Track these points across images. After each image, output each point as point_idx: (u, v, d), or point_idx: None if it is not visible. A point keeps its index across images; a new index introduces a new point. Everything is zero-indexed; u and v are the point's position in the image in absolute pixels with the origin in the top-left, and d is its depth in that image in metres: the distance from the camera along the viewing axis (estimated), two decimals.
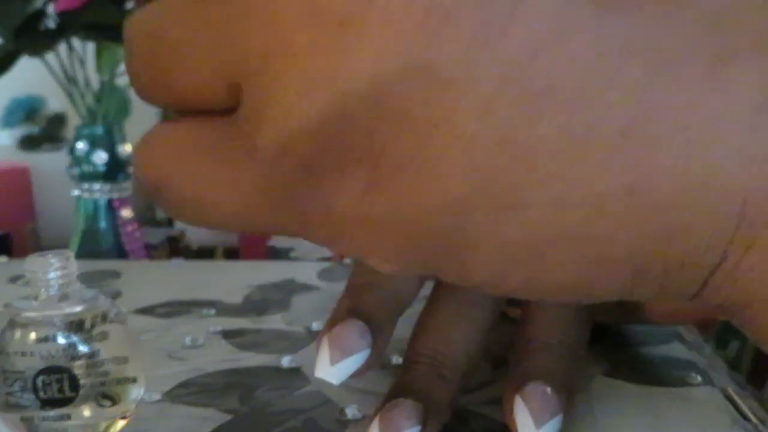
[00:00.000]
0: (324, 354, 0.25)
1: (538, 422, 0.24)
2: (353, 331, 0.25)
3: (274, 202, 0.18)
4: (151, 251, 0.77)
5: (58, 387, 0.24)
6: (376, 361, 0.26)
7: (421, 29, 0.15)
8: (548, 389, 0.25)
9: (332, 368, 0.25)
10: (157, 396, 0.31)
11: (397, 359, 0.33)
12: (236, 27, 0.17)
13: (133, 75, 0.19)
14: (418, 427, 0.25)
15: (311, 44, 0.16)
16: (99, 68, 0.69)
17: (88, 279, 0.47)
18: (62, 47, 0.68)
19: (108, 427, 0.25)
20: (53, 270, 0.25)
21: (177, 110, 0.19)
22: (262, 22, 0.16)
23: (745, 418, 0.28)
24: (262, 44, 0.16)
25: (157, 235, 0.83)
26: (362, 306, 0.26)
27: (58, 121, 1.15)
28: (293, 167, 0.17)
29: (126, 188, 0.70)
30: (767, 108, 0.15)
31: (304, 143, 0.16)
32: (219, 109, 0.18)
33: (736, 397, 0.30)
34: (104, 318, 0.25)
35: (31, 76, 0.72)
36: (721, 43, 0.16)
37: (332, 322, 0.26)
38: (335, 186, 0.17)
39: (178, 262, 0.59)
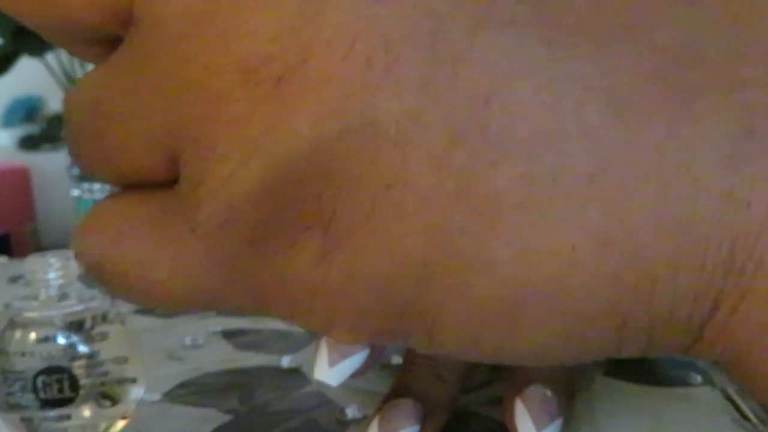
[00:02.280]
0: (322, 356, 0.25)
1: (539, 425, 0.24)
2: None
3: (222, 278, 0.17)
4: None
5: (58, 387, 0.24)
6: (375, 362, 0.26)
7: (362, 83, 0.14)
8: (548, 392, 0.25)
9: (331, 370, 0.25)
10: (157, 396, 0.31)
11: (397, 359, 0.33)
12: (171, 95, 0.16)
13: (73, 149, 0.18)
14: (417, 427, 0.25)
15: (246, 109, 0.15)
16: None
17: (88, 279, 0.47)
18: None
19: (108, 427, 0.25)
20: (53, 270, 0.25)
21: (120, 184, 0.18)
22: (196, 89, 0.15)
23: (745, 418, 0.28)
24: (197, 112, 0.15)
25: None
26: None
27: (58, 121, 1.15)
28: (239, 240, 0.16)
29: None
30: (744, 142, 0.14)
31: (248, 214, 0.15)
32: (160, 181, 0.17)
33: (736, 397, 0.30)
34: (104, 318, 0.25)
35: (31, 76, 0.72)
36: (684, 79, 0.15)
37: None
38: (286, 256, 0.16)
39: None
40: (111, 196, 0.18)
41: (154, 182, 0.17)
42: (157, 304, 0.18)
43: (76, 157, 0.18)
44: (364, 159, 0.15)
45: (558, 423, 0.24)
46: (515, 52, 0.15)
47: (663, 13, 0.15)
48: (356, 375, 0.25)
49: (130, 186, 0.18)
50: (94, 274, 0.18)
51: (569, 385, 0.26)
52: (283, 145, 0.15)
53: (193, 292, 0.17)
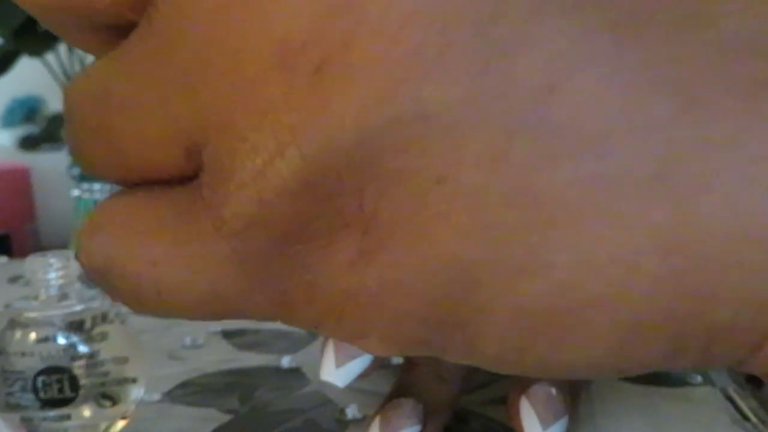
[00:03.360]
0: (329, 356, 0.25)
1: (545, 423, 0.24)
2: None
3: (246, 281, 0.16)
4: None
5: (58, 387, 0.24)
6: (382, 363, 0.26)
7: (412, 70, 0.13)
8: (554, 390, 0.25)
9: (337, 371, 0.24)
10: (157, 396, 0.31)
11: (397, 359, 0.33)
12: (193, 80, 0.14)
13: (75, 148, 0.17)
14: (418, 427, 0.25)
15: (282, 96, 0.14)
16: None
17: (88, 280, 0.47)
18: (62, 47, 0.68)
19: (108, 427, 0.25)
20: (53, 270, 0.25)
21: (129, 183, 0.17)
22: (224, 74, 0.14)
23: (745, 418, 0.28)
24: (225, 100, 0.14)
25: None
26: None
27: (58, 121, 1.15)
28: (269, 239, 0.15)
29: None
30: None
31: (280, 210, 0.14)
32: (176, 178, 0.16)
33: (736, 397, 0.30)
34: (104, 318, 0.25)
35: (31, 76, 0.72)
36: (754, 71, 0.14)
37: None
38: (319, 257, 0.15)
39: None
40: (118, 195, 0.17)
41: (167, 179, 0.16)
42: (170, 313, 0.17)
43: (78, 154, 0.17)
44: (412, 152, 0.14)
45: (564, 421, 0.24)
46: (579, 39, 0.14)
47: (730, 2, 0.14)
48: (363, 376, 0.25)
49: (138, 184, 0.17)
50: (101, 278, 0.17)
51: (574, 384, 0.26)
52: (324, 136, 0.14)
53: (212, 296, 0.16)
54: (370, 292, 0.15)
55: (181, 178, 0.16)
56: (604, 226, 0.14)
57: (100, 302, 0.25)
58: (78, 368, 0.24)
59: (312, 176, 0.14)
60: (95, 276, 0.17)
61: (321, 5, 0.13)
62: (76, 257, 0.18)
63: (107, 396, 0.25)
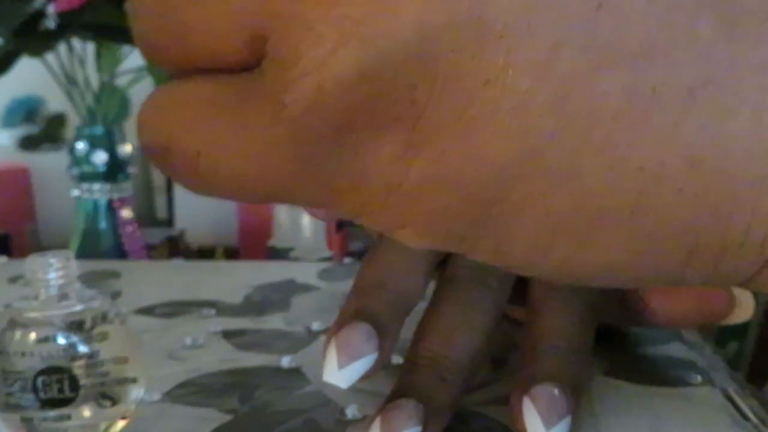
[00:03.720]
0: (331, 358, 0.25)
1: (548, 423, 0.24)
2: (360, 334, 0.25)
3: (299, 166, 0.16)
4: (151, 251, 0.77)
5: (58, 387, 0.24)
6: (384, 364, 0.26)
7: None
8: (556, 390, 0.25)
9: (340, 372, 0.25)
10: (157, 396, 0.31)
11: (397, 359, 0.33)
12: None
13: (140, 33, 0.17)
14: (419, 428, 0.25)
15: None
16: (99, 68, 0.69)
17: (88, 279, 0.47)
18: (62, 47, 0.68)
19: (108, 428, 0.25)
20: (53, 270, 0.25)
21: (189, 71, 0.17)
22: None
23: (745, 418, 0.28)
24: None
25: (157, 235, 0.83)
26: (369, 308, 0.26)
27: (58, 121, 1.15)
28: (324, 125, 0.15)
29: (126, 188, 0.70)
30: None
31: (338, 98, 0.15)
32: (237, 66, 0.16)
33: (736, 397, 0.30)
34: (104, 318, 0.25)
35: (31, 76, 0.72)
36: None
37: (339, 325, 0.26)
38: (369, 148, 0.16)
39: (178, 262, 0.59)
40: (179, 79, 0.17)
41: (227, 68, 0.17)
42: (221, 192, 0.17)
43: (142, 41, 0.17)
44: (466, 53, 0.14)
45: (567, 421, 0.24)
46: None
47: None
48: (364, 378, 0.25)
49: (198, 72, 0.17)
50: (160, 156, 0.18)
51: (576, 384, 0.26)
52: (386, 30, 0.14)
53: (265, 179, 0.17)
54: (413, 185, 0.16)
55: (241, 67, 0.16)
56: (636, 137, 0.15)
57: (100, 302, 0.25)
58: (78, 368, 0.24)
59: (370, 69, 0.14)
60: (154, 153, 0.18)
61: None
62: (140, 135, 0.18)
63: (107, 396, 0.25)
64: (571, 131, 0.15)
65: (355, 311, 0.26)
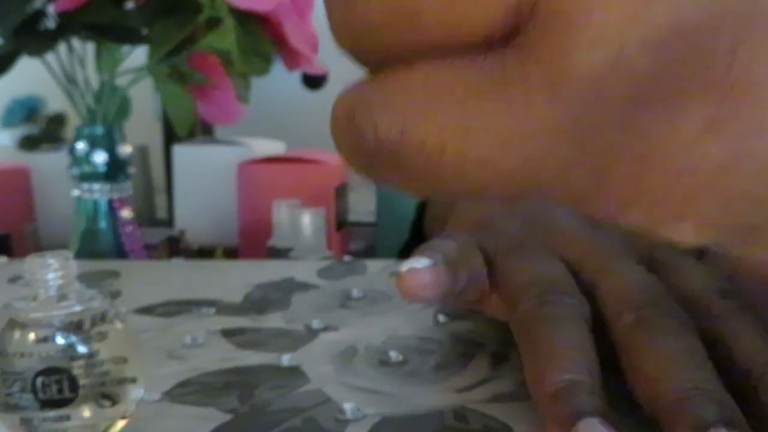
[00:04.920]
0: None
1: None
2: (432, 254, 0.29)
3: (568, 156, 0.14)
4: (151, 251, 0.77)
5: (58, 388, 0.24)
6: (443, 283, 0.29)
7: None
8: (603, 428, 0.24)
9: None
10: (156, 396, 0.31)
11: (396, 356, 0.33)
12: None
13: (350, 11, 0.14)
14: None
15: None
16: (99, 68, 0.69)
17: (88, 279, 0.47)
18: (62, 47, 0.68)
19: (108, 428, 0.25)
20: (52, 270, 0.25)
21: (412, 53, 0.14)
22: None
23: None
24: None
25: (157, 235, 0.83)
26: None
27: (58, 121, 1.15)
28: (615, 101, 0.13)
29: (126, 188, 0.70)
30: None
31: (638, 67, 0.12)
32: (477, 44, 0.14)
33: None
34: (103, 318, 0.25)
35: (31, 76, 0.72)
36: None
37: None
38: (662, 127, 0.13)
39: (178, 262, 0.59)
40: (401, 66, 0.14)
41: (464, 44, 0.14)
42: (462, 190, 0.15)
43: (357, 17, 0.14)
44: None
45: None
46: None
47: None
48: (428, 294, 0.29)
49: (421, 55, 0.14)
50: (387, 153, 0.15)
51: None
52: None
53: (527, 171, 0.14)
54: (711, 168, 0.13)
55: (481, 44, 0.14)
56: None
57: (99, 302, 0.25)
58: (77, 368, 0.24)
59: (688, 24, 0.12)
60: (382, 151, 0.15)
61: None
62: (363, 123, 0.15)
63: (107, 396, 0.25)
64: None
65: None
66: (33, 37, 0.66)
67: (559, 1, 0.13)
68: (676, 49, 0.12)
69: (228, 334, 0.39)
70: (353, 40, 0.15)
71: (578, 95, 0.13)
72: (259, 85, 0.65)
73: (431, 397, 0.30)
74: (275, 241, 0.73)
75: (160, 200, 1.08)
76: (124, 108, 0.74)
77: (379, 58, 0.15)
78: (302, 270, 0.52)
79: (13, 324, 0.24)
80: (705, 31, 0.12)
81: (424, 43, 0.14)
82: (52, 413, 0.24)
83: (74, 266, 0.25)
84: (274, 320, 0.41)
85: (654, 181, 0.14)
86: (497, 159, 0.14)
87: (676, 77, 0.13)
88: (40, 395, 0.24)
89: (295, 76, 1.14)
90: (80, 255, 0.63)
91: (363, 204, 0.91)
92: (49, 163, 0.94)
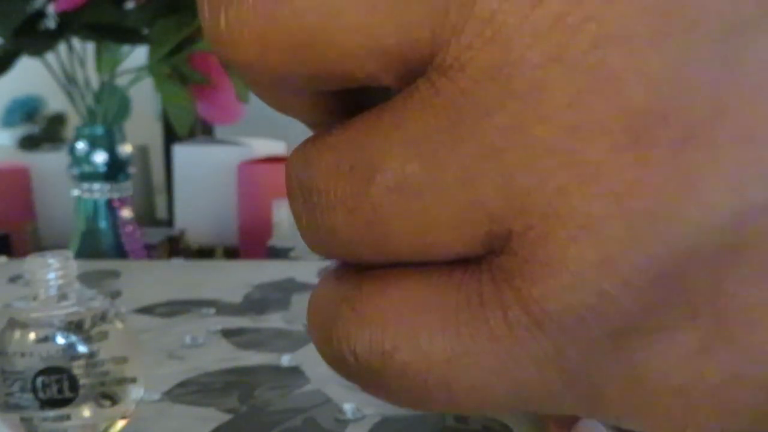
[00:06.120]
0: None
1: None
2: None
3: (559, 381, 0.14)
4: (151, 251, 0.77)
5: (58, 387, 0.24)
6: None
7: None
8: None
9: None
10: (156, 396, 0.31)
11: None
12: (508, 159, 0.12)
13: (321, 226, 0.14)
14: None
15: (635, 179, 0.12)
16: (99, 68, 0.69)
17: (88, 279, 0.47)
18: (62, 47, 0.68)
19: (108, 427, 0.25)
20: (52, 270, 0.25)
21: (385, 264, 0.14)
22: (554, 154, 0.12)
23: None
24: (554, 182, 0.12)
25: (157, 235, 0.83)
26: None
27: (58, 121, 1.15)
28: (600, 333, 0.13)
29: (126, 188, 0.70)
30: None
31: (622, 304, 0.13)
32: (448, 259, 0.14)
33: None
34: (103, 318, 0.25)
35: (31, 76, 0.72)
36: None
37: None
38: (653, 352, 0.13)
39: (178, 262, 0.59)
40: (380, 279, 0.14)
41: (435, 259, 0.14)
42: (456, 408, 0.14)
43: (326, 233, 0.14)
44: None
45: None
46: None
47: None
48: None
49: (395, 265, 0.14)
50: (374, 375, 0.14)
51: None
52: (690, 221, 0.12)
53: (517, 396, 0.14)
54: (707, 387, 0.13)
55: (453, 260, 0.13)
56: None
57: (99, 302, 0.25)
58: (77, 368, 0.24)
59: (670, 267, 0.12)
60: (363, 372, 0.14)
61: (689, 71, 0.12)
62: (338, 349, 0.14)
63: (107, 396, 0.25)
64: None
65: None
66: (33, 37, 0.66)
67: (537, 242, 0.12)
68: (659, 287, 0.13)
69: (228, 334, 0.39)
70: (324, 251, 0.14)
71: (560, 332, 0.13)
72: None
73: None
74: (275, 241, 0.73)
75: (160, 200, 1.08)
76: (124, 108, 0.74)
77: (352, 262, 0.14)
78: (302, 270, 0.52)
79: (13, 324, 0.24)
80: (692, 269, 0.12)
81: (397, 258, 0.14)
82: (52, 413, 0.24)
83: (74, 266, 0.25)
84: (274, 320, 0.41)
85: (650, 398, 0.14)
86: (485, 386, 0.14)
87: (662, 310, 0.13)
88: (40, 395, 0.24)
89: None
90: (80, 255, 0.63)
91: None
92: (49, 163, 0.94)
